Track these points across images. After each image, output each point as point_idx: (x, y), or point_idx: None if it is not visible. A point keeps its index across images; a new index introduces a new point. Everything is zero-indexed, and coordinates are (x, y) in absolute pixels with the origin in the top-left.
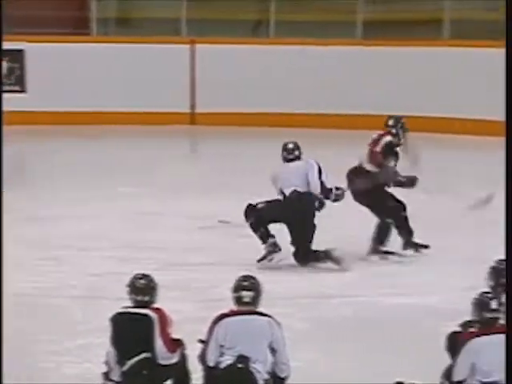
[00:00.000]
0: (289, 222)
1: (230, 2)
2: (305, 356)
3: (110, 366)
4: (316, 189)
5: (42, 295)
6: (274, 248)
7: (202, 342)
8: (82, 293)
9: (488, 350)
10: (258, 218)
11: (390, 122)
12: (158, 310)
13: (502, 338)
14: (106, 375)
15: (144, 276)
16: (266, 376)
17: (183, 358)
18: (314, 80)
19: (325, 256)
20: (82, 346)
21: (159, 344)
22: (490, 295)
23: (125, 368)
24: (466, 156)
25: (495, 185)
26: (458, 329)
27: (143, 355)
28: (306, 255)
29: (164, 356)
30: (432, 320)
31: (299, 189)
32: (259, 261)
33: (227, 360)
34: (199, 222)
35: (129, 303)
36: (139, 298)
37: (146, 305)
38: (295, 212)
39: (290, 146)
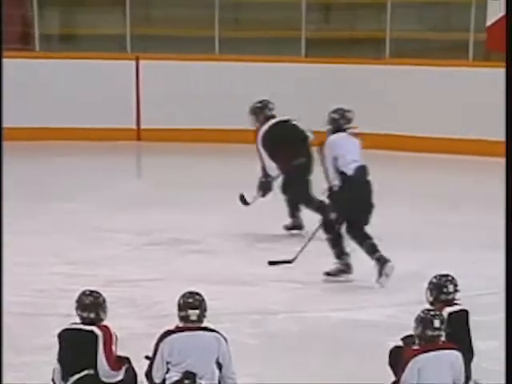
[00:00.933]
0: (352, 207)
1: (174, 18)
2: (252, 371)
3: (55, 383)
4: None
5: None
6: (347, 269)
7: (148, 358)
8: (28, 309)
9: (430, 367)
10: (338, 234)
11: None
12: (103, 327)
13: (443, 354)
14: None
15: (91, 292)
16: None
17: (132, 375)
18: (258, 96)
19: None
20: (26, 363)
21: (102, 361)
22: (432, 313)
23: None
24: (401, 172)
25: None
26: (400, 343)
27: (85, 372)
28: (360, 235)
29: (106, 374)
30: (376, 334)
31: (360, 164)
32: (325, 274)
33: (174, 376)
34: (145, 238)
35: (77, 320)
36: (85, 314)
37: (92, 321)
38: (360, 191)
39: (350, 115)
